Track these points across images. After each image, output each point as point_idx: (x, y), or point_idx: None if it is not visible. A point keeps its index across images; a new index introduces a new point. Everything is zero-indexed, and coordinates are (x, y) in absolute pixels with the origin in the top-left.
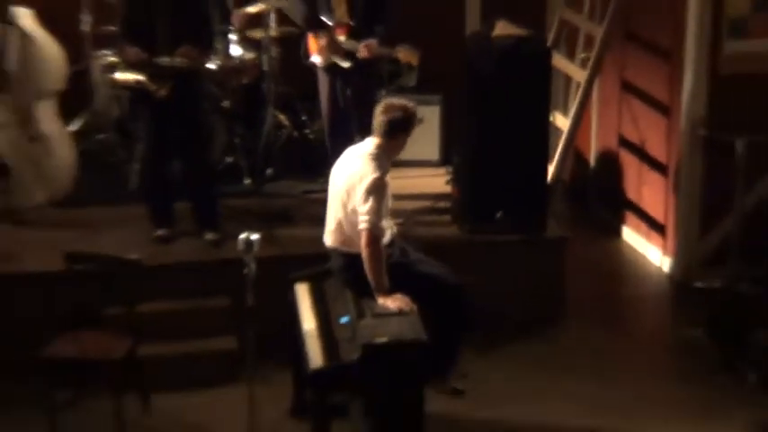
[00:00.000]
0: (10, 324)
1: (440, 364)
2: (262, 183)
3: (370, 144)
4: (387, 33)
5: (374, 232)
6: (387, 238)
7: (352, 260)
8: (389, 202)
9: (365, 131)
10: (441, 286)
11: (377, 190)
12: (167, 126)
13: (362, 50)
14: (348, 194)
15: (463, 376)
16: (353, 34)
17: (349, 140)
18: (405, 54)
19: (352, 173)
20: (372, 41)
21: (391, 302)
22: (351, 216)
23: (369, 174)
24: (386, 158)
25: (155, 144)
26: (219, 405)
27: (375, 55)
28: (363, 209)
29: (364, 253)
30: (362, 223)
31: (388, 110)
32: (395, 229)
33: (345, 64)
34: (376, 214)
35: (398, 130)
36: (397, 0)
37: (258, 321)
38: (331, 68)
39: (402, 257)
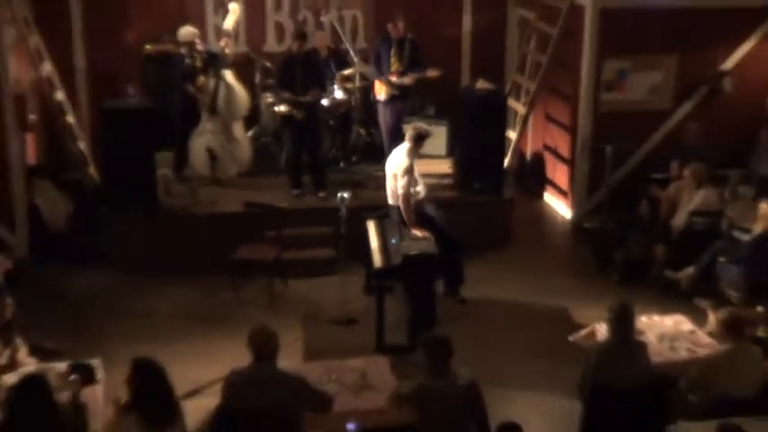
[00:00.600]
0: (213, 242)
1: (453, 282)
2: (349, 165)
3: (404, 146)
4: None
5: (406, 195)
6: (422, 195)
7: (398, 210)
8: (418, 177)
9: (397, 136)
10: (450, 237)
11: (407, 172)
12: (300, 133)
13: (409, 78)
14: (394, 176)
15: (462, 301)
16: (401, 75)
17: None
18: (432, 72)
19: (396, 163)
20: (416, 74)
21: (418, 232)
22: (396, 187)
23: (403, 163)
24: (413, 155)
25: (293, 143)
26: (325, 286)
27: (417, 79)
28: (400, 183)
29: (402, 205)
30: (400, 189)
31: (415, 128)
32: (425, 190)
33: (396, 92)
34: (407, 185)
35: (419, 140)
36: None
37: (346, 241)
38: (387, 103)
39: (429, 212)
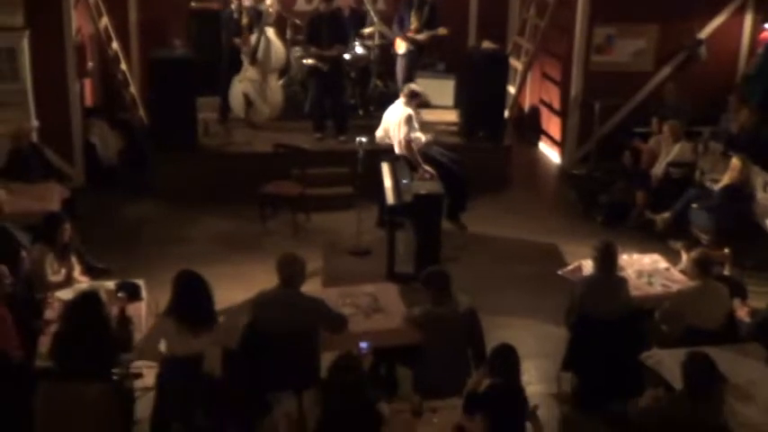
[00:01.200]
0: (245, 178)
1: (455, 208)
2: (368, 113)
3: (400, 101)
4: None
5: (408, 140)
6: (423, 140)
7: (404, 156)
8: (416, 125)
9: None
10: (452, 170)
11: (407, 121)
12: (324, 83)
13: (424, 35)
14: (398, 125)
15: (462, 227)
16: (417, 32)
17: None
18: (442, 30)
19: (397, 114)
20: (430, 32)
21: (426, 168)
22: (400, 135)
23: (403, 114)
24: (409, 107)
25: (317, 92)
26: (342, 220)
27: (430, 36)
28: (402, 131)
29: (406, 150)
30: (402, 135)
31: (408, 89)
32: (429, 137)
33: (411, 47)
34: (408, 132)
35: (412, 97)
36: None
37: (362, 180)
38: (404, 55)
39: (433, 153)
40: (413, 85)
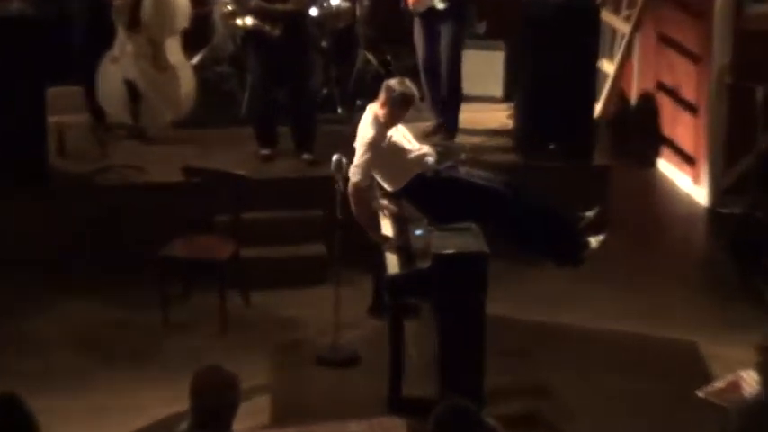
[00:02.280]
0: (134, 227)
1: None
2: (352, 112)
3: (372, 109)
4: None
5: (356, 185)
6: (430, 160)
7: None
8: (410, 142)
9: (454, 75)
10: (492, 190)
11: (368, 149)
12: (275, 61)
13: None
14: (409, 140)
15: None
16: None
17: (438, 81)
18: None
19: (361, 130)
20: None
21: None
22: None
23: (366, 134)
24: (384, 124)
25: (263, 75)
26: (308, 302)
27: None
28: (355, 160)
29: (351, 200)
30: (350, 172)
31: (392, 87)
32: (427, 151)
33: (441, 5)
34: (361, 168)
35: (399, 104)
36: None
37: (345, 231)
38: (426, 14)
39: (458, 175)
40: (403, 82)
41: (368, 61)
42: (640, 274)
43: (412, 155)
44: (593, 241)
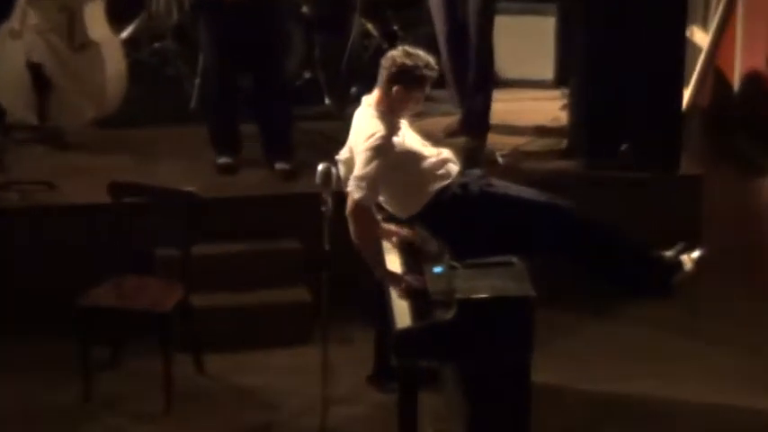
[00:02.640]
0: (45, 266)
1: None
2: (344, 103)
3: (372, 99)
4: None
5: (359, 202)
6: (452, 173)
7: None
8: (421, 149)
9: (484, 51)
10: (544, 205)
11: (376, 154)
12: (236, 33)
13: None
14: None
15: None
16: None
17: (464, 59)
18: None
19: (362, 129)
20: None
21: (395, 284)
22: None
23: (371, 131)
24: (392, 115)
25: (220, 54)
26: (287, 369)
27: None
28: (356, 171)
29: (350, 222)
30: (350, 186)
31: (398, 58)
32: (446, 156)
33: None
34: (366, 181)
35: (410, 81)
36: None
37: (336, 269)
38: None
39: (495, 188)
40: (399, 53)
41: (366, 33)
42: (756, 330)
43: (430, 163)
44: (688, 261)
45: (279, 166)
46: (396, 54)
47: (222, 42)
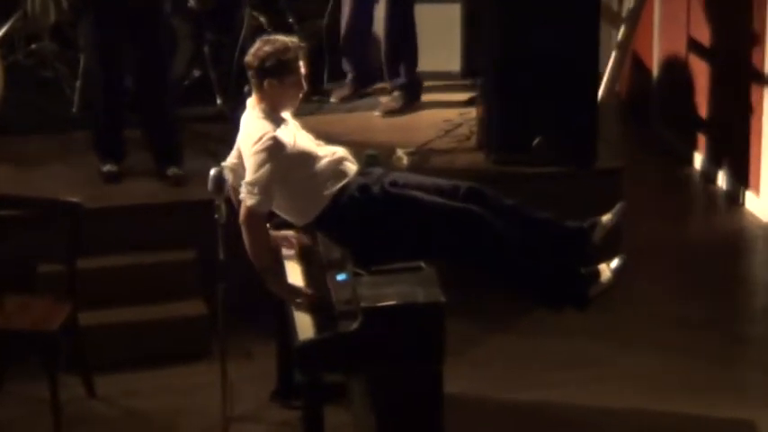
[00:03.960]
0: None
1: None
2: (237, 104)
3: (251, 102)
4: None
5: (251, 210)
6: (349, 175)
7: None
8: (312, 148)
9: (395, 31)
10: (452, 209)
11: (266, 157)
12: (118, 30)
13: None
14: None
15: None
16: None
17: (368, 51)
18: None
19: (248, 134)
20: None
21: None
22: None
23: (256, 133)
24: (272, 112)
25: (102, 54)
26: (184, 388)
27: None
28: (247, 176)
29: (245, 234)
30: (242, 193)
31: (259, 50)
32: (340, 153)
33: None
34: (258, 185)
35: (273, 73)
36: None
37: (233, 279)
38: None
39: (397, 179)
40: (256, 47)
41: (259, 27)
42: (677, 336)
43: (325, 163)
44: (606, 270)
45: (168, 171)
46: (254, 49)
47: (104, 41)
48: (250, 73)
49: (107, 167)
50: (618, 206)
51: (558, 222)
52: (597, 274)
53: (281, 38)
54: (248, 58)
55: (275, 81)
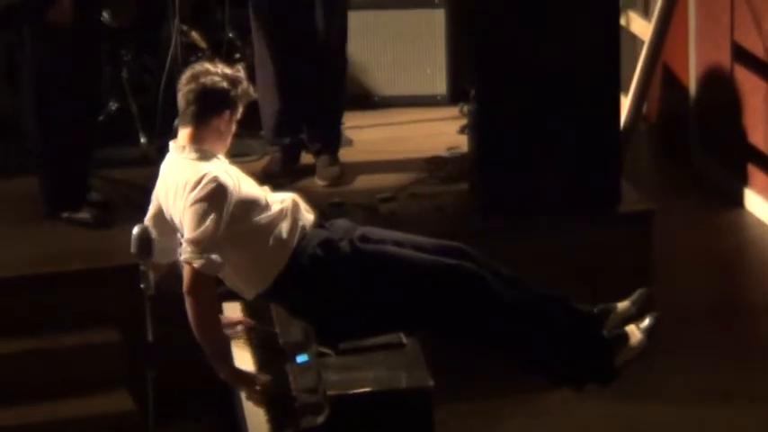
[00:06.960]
0: None
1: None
2: (165, 142)
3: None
4: None
5: (198, 272)
6: (306, 224)
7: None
8: (261, 196)
9: (333, 49)
10: (430, 269)
11: (212, 206)
12: (17, 55)
13: None
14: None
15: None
16: None
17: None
18: None
19: (180, 178)
20: None
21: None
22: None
23: (195, 177)
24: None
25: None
26: None
27: None
28: (186, 232)
29: (188, 304)
30: (184, 252)
31: (202, 78)
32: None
33: None
34: (202, 241)
35: (218, 105)
36: None
37: (165, 364)
38: None
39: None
40: (201, 71)
41: (191, 44)
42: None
43: (275, 214)
44: (636, 332)
45: (65, 214)
46: (199, 74)
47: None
48: (197, 104)
49: None
50: (638, 293)
51: (568, 305)
52: (625, 337)
53: (222, 64)
54: (193, 84)
55: (229, 114)
